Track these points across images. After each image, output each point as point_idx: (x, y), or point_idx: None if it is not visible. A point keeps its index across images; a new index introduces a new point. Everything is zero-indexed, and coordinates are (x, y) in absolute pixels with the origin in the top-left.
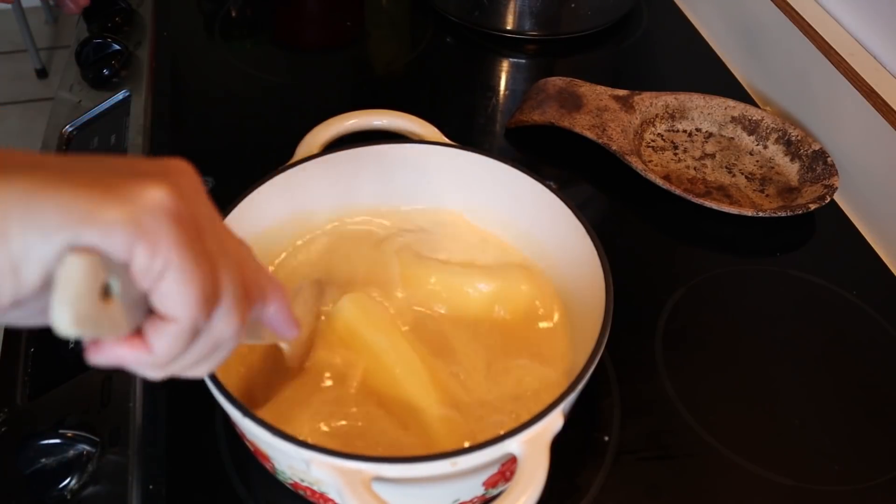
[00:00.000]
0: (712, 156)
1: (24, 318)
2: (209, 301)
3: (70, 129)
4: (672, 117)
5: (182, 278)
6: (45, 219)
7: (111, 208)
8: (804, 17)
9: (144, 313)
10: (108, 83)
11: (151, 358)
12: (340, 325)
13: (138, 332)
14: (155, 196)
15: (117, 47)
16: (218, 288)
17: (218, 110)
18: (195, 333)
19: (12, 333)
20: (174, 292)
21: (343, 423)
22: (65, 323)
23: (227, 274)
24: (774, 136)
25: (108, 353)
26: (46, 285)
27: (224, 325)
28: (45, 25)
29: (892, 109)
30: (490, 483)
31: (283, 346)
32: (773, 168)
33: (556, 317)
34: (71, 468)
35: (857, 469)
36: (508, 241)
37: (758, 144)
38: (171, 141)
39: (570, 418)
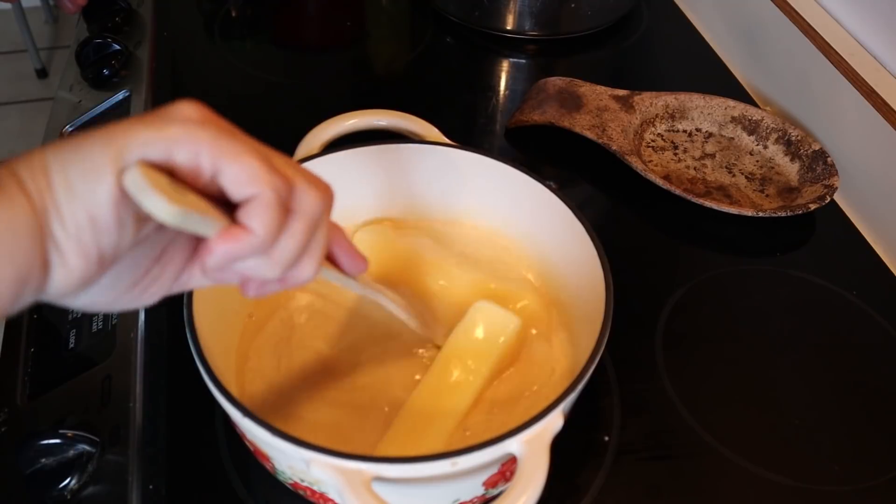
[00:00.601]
0: (712, 156)
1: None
2: (275, 169)
3: (70, 129)
4: (672, 117)
5: (237, 157)
6: (94, 155)
7: (146, 127)
8: (804, 17)
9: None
10: (108, 83)
11: (255, 239)
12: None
13: (235, 224)
14: (184, 109)
15: (117, 47)
16: (278, 166)
17: (218, 110)
18: (283, 204)
19: (12, 333)
20: (238, 172)
21: None
22: (161, 206)
23: (283, 161)
24: (774, 136)
25: (218, 250)
26: (125, 230)
27: (311, 198)
28: (45, 25)
29: (892, 109)
30: (490, 483)
31: (404, 315)
32: (773, 168)
33: (552, 323)
34: (71, 468)
35: (857, 469)
36: (505, 243)
37: (758, 144)
38: None
39: (570, 418)
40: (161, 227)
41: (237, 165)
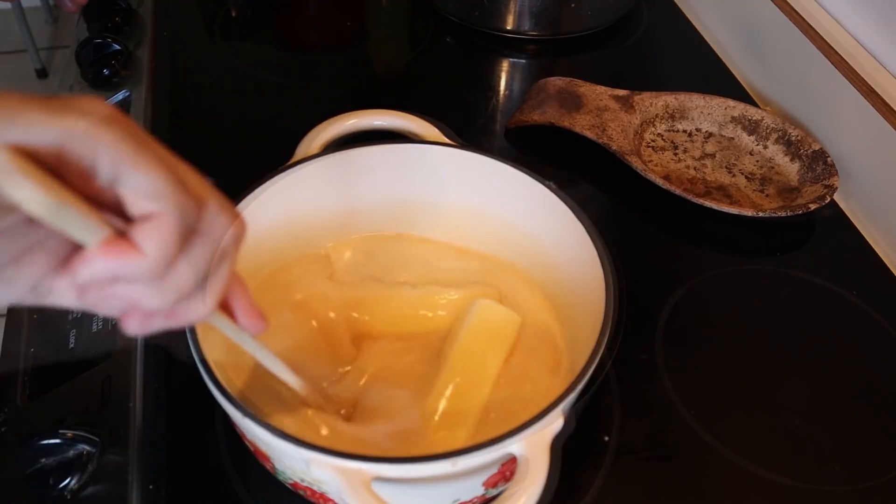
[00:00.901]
0: (712, 156)
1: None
2: (185, 188)
3: None
4: (672, 117)
5: (143, 166)
6: None
7: (38, 108)
8: (804, 16)
9: (124, 223)
10: (108, 83)
11: (143, 262)
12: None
13: (124, 238)
14: (90, 102)
15: (117, 47)
16: (190, 185)
17: (218, 110)
18: (187, 229)
19: (12, 333)
20: (142, 182)
21: None
22: (32, 193)
23: (197, 180)
24: (774, 136)
25: (95, 262)
26: None
27: (222, 223)
28: (45, 25)
29: (892, 109)
30: (490, 483)
31: (293, 382)
32: (773, 168)
33: (546, 320)
34: (71, 468)
35: (857, 469)
36: (506, 243)
37: (758, 144)
38: (171, 141)
39: (571, 418)
40: (28, 225)
41: (142, 175)
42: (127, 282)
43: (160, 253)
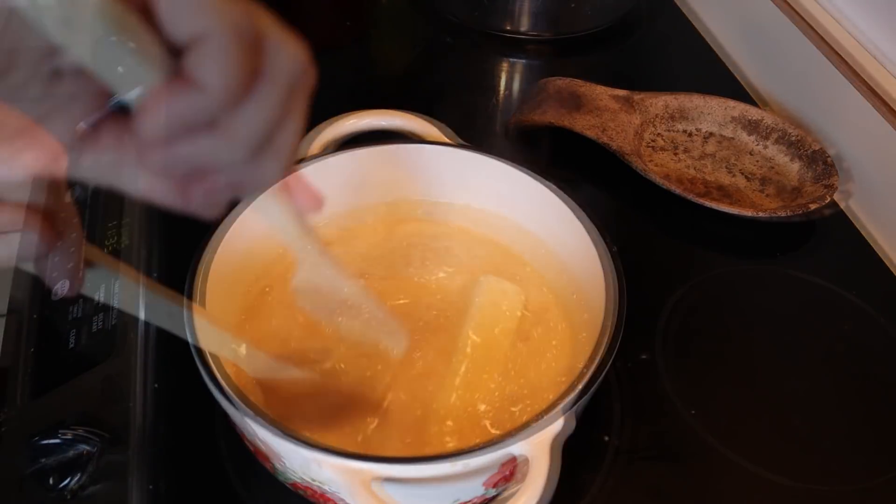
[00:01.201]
0: (712, 156)
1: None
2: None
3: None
4: (672, 117)
5: None
6: None
7: None
8: (804, 16)
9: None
10: None
11: (208, 96)
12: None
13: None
14: None
15: None
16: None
17: None
18: (248, 51)
19: (12, 333)
20: None
21: None
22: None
23: (256, 4)
24: (774, 136)
25: (156, 108)
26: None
27: (289, 58)
28: None
29: (893, 109)
30: (491, 483)
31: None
32: (773, 168)
33: (550, 319)
34: (71, 468)
35: (857, 469)
36: (507, 243)
37: (758, 144)
38: None
39: (570, 418)
40: (49, 83)
41: None
42: (191, 132)
43: (220, 81)
